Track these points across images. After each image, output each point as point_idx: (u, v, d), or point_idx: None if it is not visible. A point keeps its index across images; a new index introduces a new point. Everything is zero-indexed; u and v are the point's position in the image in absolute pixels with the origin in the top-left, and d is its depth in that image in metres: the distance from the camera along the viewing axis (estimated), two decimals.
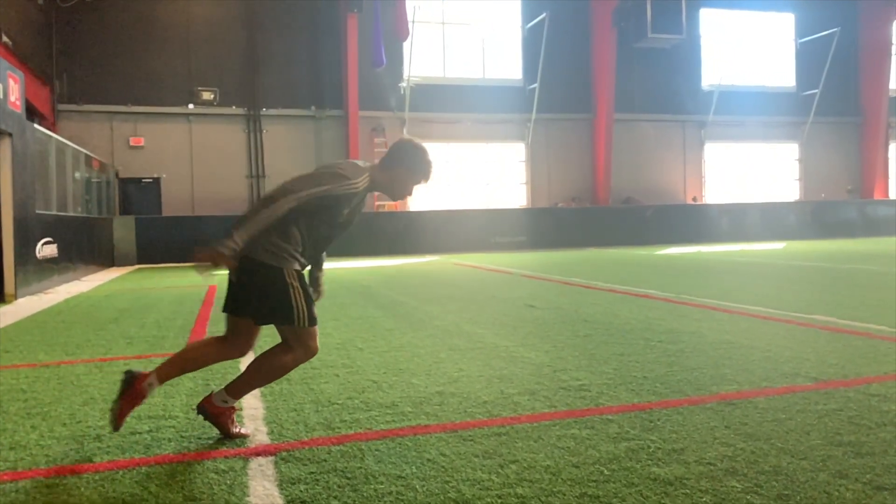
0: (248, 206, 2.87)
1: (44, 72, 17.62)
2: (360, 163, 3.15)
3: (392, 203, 21.04)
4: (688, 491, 2.44)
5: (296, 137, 20.86)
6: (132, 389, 3.04)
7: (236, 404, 3.18)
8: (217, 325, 6.54)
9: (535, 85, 22.04)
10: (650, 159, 24.14)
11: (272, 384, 4.11)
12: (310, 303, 3.03)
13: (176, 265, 16.48)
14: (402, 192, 3.26)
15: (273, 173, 20.46)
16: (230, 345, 3.15)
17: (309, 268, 3.27)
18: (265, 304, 2.99)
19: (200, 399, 3.28)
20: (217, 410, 3.12)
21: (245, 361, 3.40)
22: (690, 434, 3.05)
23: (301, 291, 2.99)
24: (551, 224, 21.13)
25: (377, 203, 20.92)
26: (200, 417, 3.17)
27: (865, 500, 2.34)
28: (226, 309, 3.12)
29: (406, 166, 3.21)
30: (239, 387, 3.13)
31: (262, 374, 3.12)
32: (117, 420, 3.03)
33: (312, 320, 3.02)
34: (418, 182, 3.27)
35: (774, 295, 8.07)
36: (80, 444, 3.10)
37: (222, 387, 3.17)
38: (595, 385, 3.95)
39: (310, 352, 3.09)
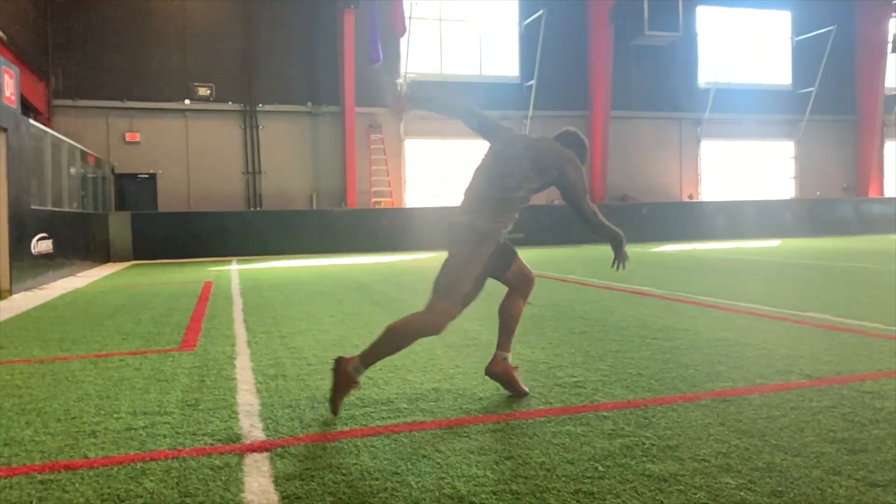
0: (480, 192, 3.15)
1: (39, 67, 17.56)
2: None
3: (388, 199, 21.04)
4: (682, 487, 2.45)
5: (292, 133, 20.83)
6: (338, 375, 3.33)
7: (510, 359, 3.66)
8: (212, 321, 6.54)
9: (532, 82, 22.04)
10: (646, 157, 24.16)
11: (268, 381, 4.12)
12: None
13: (172, 261, 16.46)
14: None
15: (269, 169, 20.43)
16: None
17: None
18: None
19: (195, 397, 3.27)
20: (505, 368, 3.62)
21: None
22: (685, 431, 3.06)
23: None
24: (548, 221, 21.13)
25: (373, 200, 20.92)
26: (493, 378, 3.66)
27: (859, 496, 2.35)
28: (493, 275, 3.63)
29: (575, 151, 3.65)
30: (504, 339, 3.68)
31: (515, 319, 3.72)
32: (334, 407, 3.36)
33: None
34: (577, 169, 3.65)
35: (769, 292, 8.09)
36: (74, 440, 3.10)
37: (499, 349, 3.67)
38: (590, 382, 3.96)
39: (531, 282, 3.81)
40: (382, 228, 19.30)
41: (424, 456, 2.81)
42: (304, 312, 7.04)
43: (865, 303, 6.92)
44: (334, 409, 3.35)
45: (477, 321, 6.28)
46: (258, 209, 20.09)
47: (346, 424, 3.26)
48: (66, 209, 12.69)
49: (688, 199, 24.21)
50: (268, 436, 3.12)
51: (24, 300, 8.72)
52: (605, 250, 17.21)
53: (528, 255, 15.77)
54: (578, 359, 4.59)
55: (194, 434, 3.15)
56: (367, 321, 6.39)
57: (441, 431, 3.13)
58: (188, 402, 3.65)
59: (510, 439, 3.00)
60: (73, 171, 13.66)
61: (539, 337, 5.43)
